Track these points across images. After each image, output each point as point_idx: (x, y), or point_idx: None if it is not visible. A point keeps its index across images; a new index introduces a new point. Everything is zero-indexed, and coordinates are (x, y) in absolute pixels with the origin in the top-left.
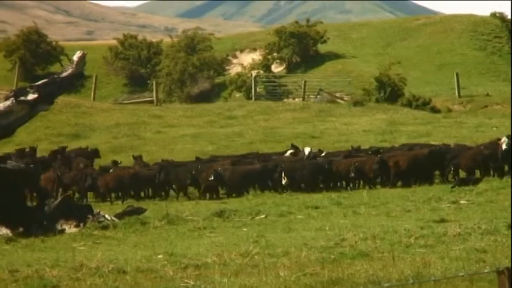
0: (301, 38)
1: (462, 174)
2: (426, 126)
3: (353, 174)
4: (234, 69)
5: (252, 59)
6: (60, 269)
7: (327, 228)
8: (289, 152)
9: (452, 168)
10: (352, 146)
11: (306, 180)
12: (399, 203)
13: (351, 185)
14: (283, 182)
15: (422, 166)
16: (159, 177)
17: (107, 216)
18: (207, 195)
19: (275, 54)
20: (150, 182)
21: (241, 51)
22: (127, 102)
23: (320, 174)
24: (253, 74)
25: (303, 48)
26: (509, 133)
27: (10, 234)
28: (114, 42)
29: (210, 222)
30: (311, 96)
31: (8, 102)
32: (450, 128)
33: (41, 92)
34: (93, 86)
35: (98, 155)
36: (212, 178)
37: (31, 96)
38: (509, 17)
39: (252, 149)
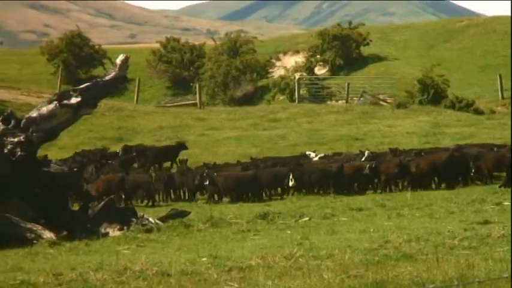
0: (344, 40)
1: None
2: (470, 128)
3: (367, 172)
4: (277, 72)
5: (295, 62)
6: (104, 272)
7: (371, 230)
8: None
9: (473, 171)
10: (389, 148)
11: (315, 184)
12: (443, 205)
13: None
14: (290, 184)
15: (443, 170)
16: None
17: (150, 219)
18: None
19: (318, 56)
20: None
21: (284, 53)
22: (170, 105)
23: (330, 178)
24: (297, 77)
25: (345, 51)
26: None
27: (54, 238)
28: (157, 45)
29: (253, 225)
30: (354, 98)
31: (51, 106)
32: (494, 130)
33: (84, 95)
34: (136, 89)
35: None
36: (207, 183)
37: (74, 100)
38: None
39: (296, 151)
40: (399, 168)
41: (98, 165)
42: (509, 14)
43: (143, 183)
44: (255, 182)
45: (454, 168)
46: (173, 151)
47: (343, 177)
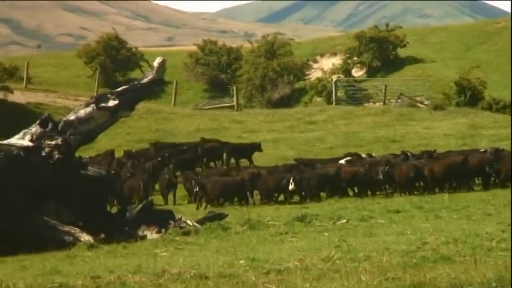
0: (381, 42)
1: None
2: (507, 130)
3: (381, 177)
4: (314, 74)
5: (333, 64)
6: (142, 275)
7: (409, 232)
8: (344, 159)
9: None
10: (421, 151)
11: (313, 189)
12: (480, 207)
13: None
14: (290, 187)
15: (458, 173)
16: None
17: (188, 221)
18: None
19: (355, 58)
20: None
21: (322, 55)
22: (207, 107)
23: (327, 183)
24: (334, 79)
25: (383, 53)
26: None
27: (92, 240)
28: (194, 48)
29: (291, 227)
30: (392, 100)
31: (88, 109)
32: None
33: (121, 98)
34: (174, 91)
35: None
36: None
37: (112, 103)
38: None
39: (333, 154)
40: (414, 171)
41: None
42: None
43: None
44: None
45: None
46: (250, 149)
47: (340, 181)
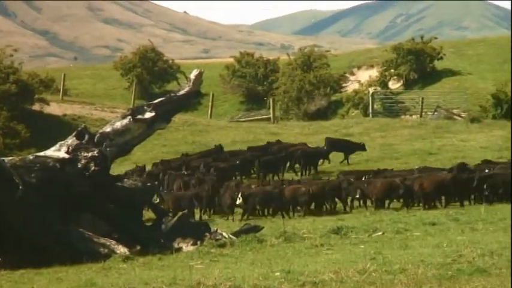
0: (418, 54)
1: None
2: None
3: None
4: (351, 86)
5: (369, 76)
6: (177, 287)
7: (444, 244)
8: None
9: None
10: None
11: (259, 206)
12: None
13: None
14: (237, 202)
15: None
16: None
17: (224, 234)
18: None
19: (392, 70)
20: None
21: (359, 68)
22: (243, 120)
23: (271, 201)
24: (371, 91)
25: (419, 65)
26: None
27: (127, 252)
28: (231, 60)
29: (327, 239)
30: (428, 112)
31: (125, 121)
32: None
33: (157, 110)
34: (210, 104)
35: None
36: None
37: (148, 115)
38: None
39: (369, 166)
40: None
41: None
42: None
43: None
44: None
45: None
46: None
47: (283, 199)
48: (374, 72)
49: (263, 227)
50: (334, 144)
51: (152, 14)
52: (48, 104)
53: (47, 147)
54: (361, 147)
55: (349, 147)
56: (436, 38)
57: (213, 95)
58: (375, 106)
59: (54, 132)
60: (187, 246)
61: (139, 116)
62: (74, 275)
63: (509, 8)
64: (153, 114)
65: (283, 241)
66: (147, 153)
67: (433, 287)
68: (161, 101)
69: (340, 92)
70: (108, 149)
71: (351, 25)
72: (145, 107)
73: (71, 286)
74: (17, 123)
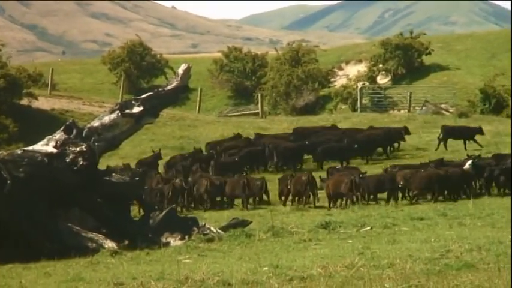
0: (406, 49)
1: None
2: None
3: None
4: (339, 81)
5: (358, 71)
6: (165, 281)
7: (432, 239)
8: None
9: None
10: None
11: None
12: (504, 214)
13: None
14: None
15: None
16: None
17: (212, 228)
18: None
19: (380, 65)
20: None
21: (347, 63)
22: (232, 114)
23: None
24: (359, 86)
25: (408, 60)
26: None
27: (115, 247)
28: (219, 55)
29: (315, 234)
30: (416, 107)
31: (113, 116)
32: None
33: (145, 105)
34: (198, 98)
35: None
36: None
37: (136, 109)
38: None
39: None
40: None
41: None
42: None
43: None
44: None
45: None
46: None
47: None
48: (362, 67)
49: (251, 222)
50: (451, 132)
51: (141, 8)
52: (36, 98)
53: (35, 142)
54: (479, 130)
55: (467, 134)
56: (424, 34)
57: (201, 89)
58: (363, 101)
59: (42, 126)
60: (175, 241)
61: (128, 111)
62: (62, 270)
63: (500, 4)
64: (141, 108)
65: (271, 236)
66: (135, 148)
67: (421, 282)
68: (149, 95)
69: (329, 87)
70: (96, 143)
71: (340, 20)
72: (133, 102)
73: (59, 280)
74: (5, 118)
